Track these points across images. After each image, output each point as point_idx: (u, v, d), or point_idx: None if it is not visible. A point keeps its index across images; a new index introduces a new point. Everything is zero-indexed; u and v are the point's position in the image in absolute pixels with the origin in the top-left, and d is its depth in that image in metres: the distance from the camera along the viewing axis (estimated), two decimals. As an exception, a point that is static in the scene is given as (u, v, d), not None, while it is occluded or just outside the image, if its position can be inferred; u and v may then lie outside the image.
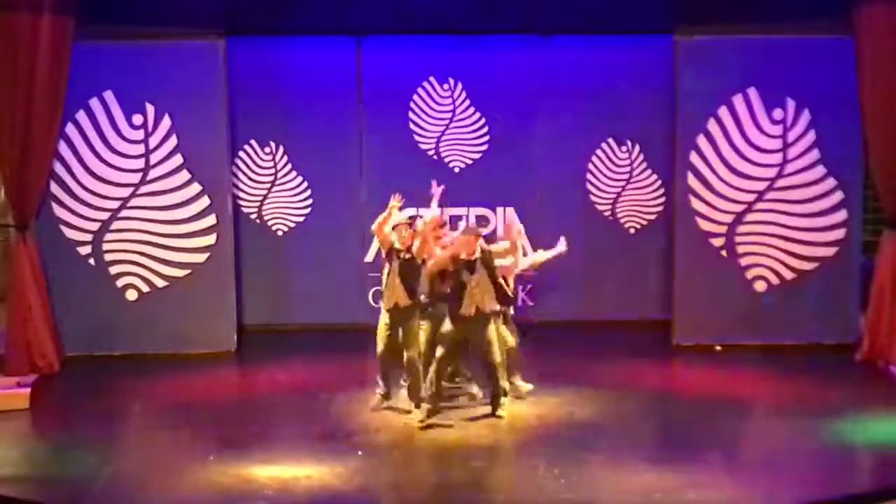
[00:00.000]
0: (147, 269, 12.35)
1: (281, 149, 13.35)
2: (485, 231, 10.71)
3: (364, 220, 12.94)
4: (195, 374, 11.66)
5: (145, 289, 12.36)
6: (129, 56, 12.06)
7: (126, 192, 12.27)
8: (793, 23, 11.84)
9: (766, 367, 11.61)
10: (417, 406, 9.86)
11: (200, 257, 12.41)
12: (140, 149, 12.25)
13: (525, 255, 10.49)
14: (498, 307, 9.87)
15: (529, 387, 10.43)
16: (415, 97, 13.35)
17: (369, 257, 13.13)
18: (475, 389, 10.35)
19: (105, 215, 12.27)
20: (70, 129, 12.07)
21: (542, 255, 10.64)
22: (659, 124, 13.01)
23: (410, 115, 13.37)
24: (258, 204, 13.43)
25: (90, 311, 12.21)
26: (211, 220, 12.37)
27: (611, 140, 13.43)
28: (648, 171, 13.49)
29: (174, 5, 11.73)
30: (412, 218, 10.50)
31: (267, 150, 13.37)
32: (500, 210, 13.34)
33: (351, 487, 8.31)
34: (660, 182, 13.43)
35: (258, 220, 13.42)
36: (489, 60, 13.28)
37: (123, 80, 12.10)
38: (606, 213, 13.55)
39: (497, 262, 9.80)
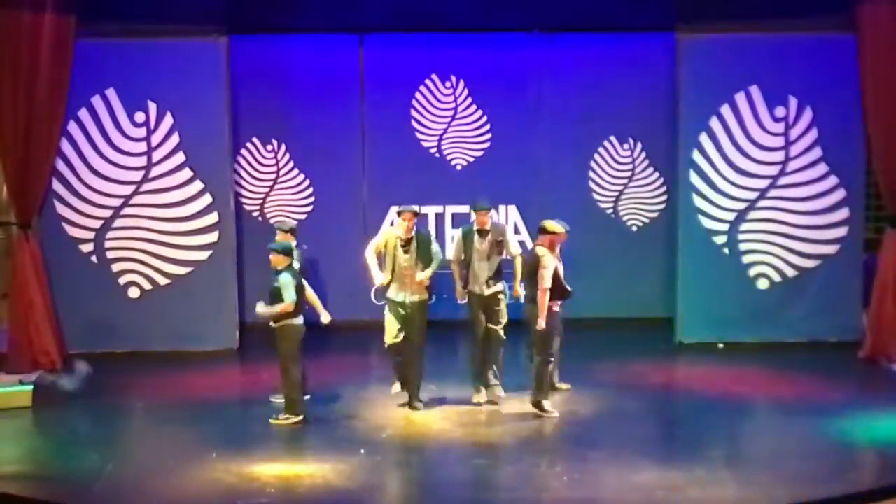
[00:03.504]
0: (149, 266, 12.36)
1: (283, 146, 13.36)
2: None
3: (366, 218, 12.99)
4: (197, 371, 11.67)
5: (147, 286, 12.37)
6: (131, 54, 12.07)
7: (128, 189, 12.27)
8: (795, 20, 11.83)
9: (768, 364, 11.60)
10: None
11: (202, 255, 12.41)
12: (142, 146, 12.25)
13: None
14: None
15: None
16: (417, 95, 13.35)
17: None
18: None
19: (107, 213, 12.27)
20: (72, 126, 12.08)
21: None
22: (661, 122, 13.01)
23: (412, 112, 13.36)
24: (260, 201, 13.43)
25: (92, 308, 12.21)
26: (213, 217, 12.37)
27: (613, 138, 13.42)
28: (651, 169, 13.48)
29: (176, 3, 11.73)
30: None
31: (269, 147, 13.37)
32: (502, 208, 13.36)
33: (353, 485, 8.30)
34: (662, 180, 13.43)
35: (260, 218, 13.42)
36: (491, 58, 13.29)
37: (126, 78, 12.11)
38: (609, 211, 13.55)
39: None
